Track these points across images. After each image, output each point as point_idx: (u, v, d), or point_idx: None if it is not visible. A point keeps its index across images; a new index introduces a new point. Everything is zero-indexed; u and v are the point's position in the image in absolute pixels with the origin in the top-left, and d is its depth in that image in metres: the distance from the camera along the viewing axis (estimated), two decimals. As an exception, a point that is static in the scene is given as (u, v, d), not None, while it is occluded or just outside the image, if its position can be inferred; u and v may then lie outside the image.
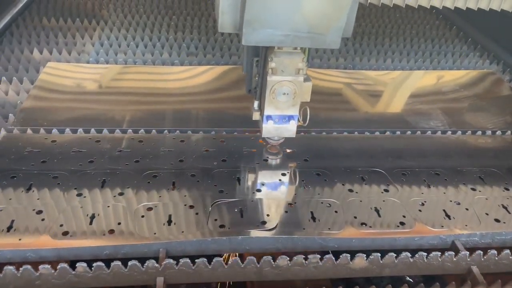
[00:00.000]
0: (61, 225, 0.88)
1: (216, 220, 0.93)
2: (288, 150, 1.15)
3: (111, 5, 1.98)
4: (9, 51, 1.54)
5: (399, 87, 1.53)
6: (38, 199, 0.94)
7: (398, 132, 1.28)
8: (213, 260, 0.84)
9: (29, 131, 1.15)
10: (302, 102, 1.00)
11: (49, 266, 0.80)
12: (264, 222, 0.93)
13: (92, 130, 1.17)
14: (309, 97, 0.99)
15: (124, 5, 2.00)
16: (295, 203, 0.99)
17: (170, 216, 0.92)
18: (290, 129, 1.02)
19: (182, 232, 0.89)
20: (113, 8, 1.95)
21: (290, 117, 1.00)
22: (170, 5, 2.03)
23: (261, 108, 1.01)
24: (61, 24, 1.78)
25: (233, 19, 0.85)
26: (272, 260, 0.85)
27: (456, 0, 1.21)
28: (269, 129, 1.01)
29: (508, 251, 0.91)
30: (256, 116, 1.02)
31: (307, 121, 1.02)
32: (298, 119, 1.02)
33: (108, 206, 0.93)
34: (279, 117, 1.00)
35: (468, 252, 0.90)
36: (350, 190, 1.04)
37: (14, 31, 1.69)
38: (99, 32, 1.74)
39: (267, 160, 1.11)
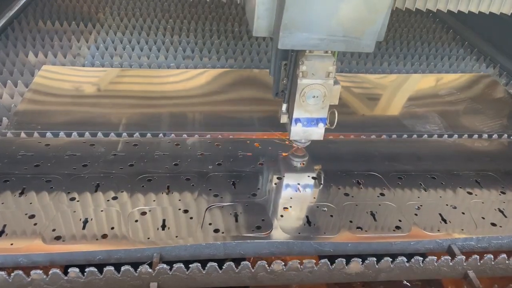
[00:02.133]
0: (54, 230, 0.87)
1: (210, 224, 0.92)
2: (283, 154, 1.14)
3: (107, 8, 1.97)
4: (4, 54, 1.53)
5: (396, 90, 1.53)
6: (30, 203, 0.93)
7: (395, 136, 1.27)
8: (207, 265, 0.84)
9: (22, 134, 1.15)
10: (330, 105, 1.01)
11: (41, 272, 0.79)
12: (259, 227, 0.92)
13: (87, 133, 1.16)
14: (337, 100, 1.01)
15: (121, 8, 2.00)
16: (290, 207, 0.98)
17: (164, 220, 0.92)
18: (318, 131, 1.03)
19: (176, 236, 0.88)
20: (109, 12, 1.94)
21: (319, 120, 1.01)
22: (167, 8, 2.03)
23: (289, 111, 1.02)
24: (57, 27, 1.77)
25: (268, 24, 0.87)
26: (267, 265, 0.85)
27: (459, 4, 1.22)
28: (297, 131, 1.03)
29: (504, 255, 0.91)
30: (284, 119, 1.04)
31: (335, 124, 1.03)
32: (326, 122, 1.03)
33: (102, 211, 0.93)
34: (308, 120, 1.01)
35: (464, 257, 0.90)
36: (346, 194, 1.03)
37: (9, 34, 1.68)
38: (95, 35, 1.73)
39: (262, 164, 1.10)
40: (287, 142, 1.15)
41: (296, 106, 0.98)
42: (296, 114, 1.00)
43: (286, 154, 1.14)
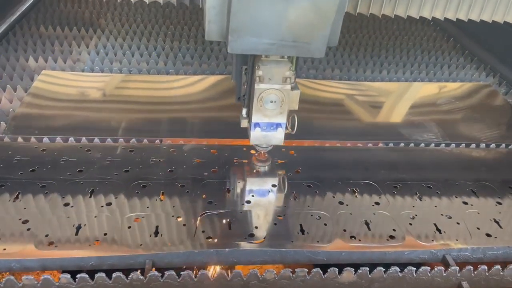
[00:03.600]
0: (47, 235, 0.88)
1: (203, 231, 0.92)
2: (279, 161, 1.14)
3: (109, 14, 1.99)
4: (4, 59, 1.54)
5: (394, 98, 1.52)
6: (25, 208, 0.93)
7: (391, 144, 1.27)
8: (199, 272, 0.83)
9: (19, 139, 1.15)
10: (290, 110, 1.00)
11: (32, 277, 0.80)
12: (252, 235, 0.92)
13: (83, 139, 1.16)
14: (297, 105, 1.00)
15: (122, 14, 2.01)
16: (284, 215, 0.98)
17: (157, 227, 0.92)
18: (277, 136, 1.02)
19: (169, 243, 0.88)
20: (110, 17, 1.96)
21: (278, 125, 1.01)
22: (168, 14, 2.04)
23: (249, 116, 1.02)
24: (58, 32, 1.78)
25: (219, 28, 0.86)
26: (258, 273, 0.85)
27: (458, 12, 1.23)
28: (257, 136, 1.02)
29: (498, 266, 0.90)
30: (244, 123, 1.03)
31: (295, 129, 1.02)
32: (286, 126, 1.02)
33: (95, 216, 0.93)
34: (267, 125, 1.00)
35: (458, 267, 0.89)
36: (341, 203, 1.03)
37: (10, 39, 1.69)
38: (95, 40, 1.74)
39: (258, 171, 1.10)
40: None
41: (254, 110, 0.98)
42: (255, 119, 1.00)
43: (282, 161, 1.14)
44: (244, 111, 1.02)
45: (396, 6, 1.18)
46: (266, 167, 1.12)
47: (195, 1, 1.17)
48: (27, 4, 1.95)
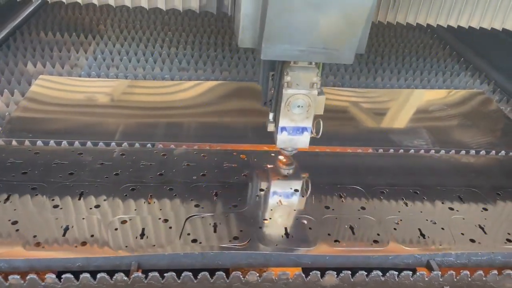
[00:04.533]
0: (35, 236, 0.89)
1: (189, 234, 0.93)
2: (268, 166, 1.16)
3: (108, 20, 2.02)
4: (3, 64, 1.57)
5: (385, 105, 1.54)
6: (15, 209, 0.95)
7: (381, 150, 1.28)
8: (182, 274, 0.85)
9: (14, 142, 1.17)
10: (315, 115, 1.04)
11: (18, 277, 0.81)
12: (236, 238, 0.93)
13: (76, 142, 1.19)
14: (322, 110, 1.04)
15: (122, 20, 2.04)
16: (270, 218, 0.99)
17: (143, 229, 0.93)
18: (303, 140, 1.06)
19: (154, 245, 0.90)
20: (110, 23, 1.99)
21: (304, 129, 1.04)
22: (167, 21, 2.07)
23: (276, 120, 1.05)
24: (57, 38, 1.81)
25: (252, 35, 0.90)
26: (241, 276, 0.86)
27: (458, 19, 1.26)
28: (283, 140, 1.05)
29: (481, 272, 0.91)
30: (271, 127, 1.07)
31: (320, 133, 1.06)
32: (311, 131, 1.05)
33: (83, 218, 0.94)
34: (293, 129, 1.04)
35: (440, 272, 0.90)
36: (327, 207, 1.04)
37: (11, 44, 1.73)
38: (94, 46, 1.77)
39: (246, 176, 1.12)
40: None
41: (281, 115, 1.01)
42: (282, 123, 1.03)
43: (270, 166, 1.15)
44: (271, 116, 1.06)
45: (397, 14, 1.23)
46: (291, 170, 1.15)
47: (222, 9, 1.20)
48: (28, 10, 1.99)
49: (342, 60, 0.92)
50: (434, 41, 2.12)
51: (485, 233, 1.00)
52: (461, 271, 0.90)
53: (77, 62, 1.65)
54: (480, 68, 1.86)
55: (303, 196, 1.07)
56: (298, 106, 1.00)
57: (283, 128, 1.04)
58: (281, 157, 1.17)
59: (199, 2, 1.21)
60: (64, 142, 1.18)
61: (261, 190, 1.08)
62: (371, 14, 0.88)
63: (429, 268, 0.95)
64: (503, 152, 1.32)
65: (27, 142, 1.18)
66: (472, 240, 0.98)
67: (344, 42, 0.88)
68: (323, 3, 0.83)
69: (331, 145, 1.27)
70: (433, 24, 1.34)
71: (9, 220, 0.92)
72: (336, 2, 0.83)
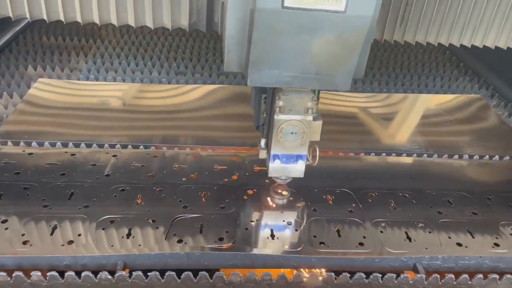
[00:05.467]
0: (23, 235, 0.91)
1: (175, 235, 0.94)
2: (256, 168, 1.16)
3: (110, 25, 2.04)
4: (4, 67, 1.60)
5: (381, 110, 1.54)
6: (5, 208, 0.97)
7: (373, 154, 1.28)
8: (166, 274, 0.86)
9: (9, 143, 1.19)
10: (311, 141, 0.96)
11: (5, 274, 0.83)
12: (222, 239, 0.94)
13: (70, 144, 1.20)
14: (319, 136, 0.95)
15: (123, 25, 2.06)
16: (256, 220, 1.00)
17: (130, 229, 0.94)
18: (298, 169, 0.97)
19: (139, 245, 0.91)
20: (111, 28, 2.01)
21: (299, 157, 0.96)
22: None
23: (268, 147, 0.97)
24: (59, 42, 1.84)
25: (239, 58, 0.80)
26: (224, 276, 0.86)
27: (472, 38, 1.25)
28: (276, 168, 0.97)
29: (466, 275, 0.91)
30: (263, 154, 0.98)
31: (317, 161, 0.98)
32: (307, 158, 0.98)
33: (72, 218, 0.96)
34: (287, 157, 0.96)
35: (424, 275, 0.90)
36: (314, 210, 1.04)
37: (13, 48, 1.76)
38: (94, 50, 1.80)
39: (236, 178, 1.13)
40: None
41: (273, 142, 0.93)
42: (274, 151, 0.94)
43: (260, 168, 1.16)
44: (262, 142, 0.97)
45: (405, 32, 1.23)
46: (285, 200, 1.08)
47: (212, 26, 1.13)
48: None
49: (338, 87, 0.82)
50: (434, 46, 2.11)
51: (473, 237, 1.00)
52: (446, 274, 0.90)
53: (77, 66, 1.67)
54: (480, 74, 1.85)
55: (291, 198, 1.07)
56: (292, 133, 0.92)
57: (276, 156, 0.95)
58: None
59: (188, 20, 1.14)
60: (59, 144, 1.20)
61: (249, 191, 1.09)
62: (371, 36, 0.79)
63: (416, 271, 0.94)
64: (496, 157, 1.31)
65: (22, 144, 1.20)
66: (459, 244, 0.98)
67: (340, 67, 0.80)
68: (315, 26, 0.74)
69: (323, 148, 1.27)
70: (444, 44, 1.27)
71: (-1, 219, 0.94)
72: (329, 25, 0.74)
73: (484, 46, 1.28)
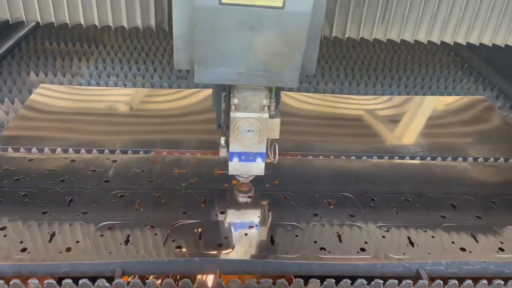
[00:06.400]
0: (21, 242, 0.90)
1: (173, 241, 0.93)
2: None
3: (112, 30, 2.05)
4: (6, 73, 1.61)
5: (383, 112, 1.52)
6: (4, 215, 0.97)
7: (375, 157, 1.26)
8: (164, 281, 0.85)
9: (10, 149, 1.19)
10: (271, 139, 0.96)
11: (2, 282, 0.82)
12: (220, 245, 0.93)
13: (70, 149, 1.20)
14: (278, 134, 0.95)
15: (125, 29, 2.06)
16: (256, 225, 0.99)
17: (128, 236, 0.94)
18: (257, 166, 0.98)
19: (138, 252, 0.90)
20: (113, 33, 2.02)
21: (257, 155, 0.97)
22: (170, 30, 2.08)
23: (227, 145, 0.97)
24: (62, 48, 1.85)
25: (188, 56, 0.82)
26: (223, 283, 0.85)
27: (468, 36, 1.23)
28: (235, 166, 0.98)
29: (470, 281, 0.89)
30: (223, 152, 0.98)
31: (277, 159, 0.98)
32: (268, 156, 0.98)
33: (70, 224, 0.95)
34: (245, 155, 0.96)
35: (427, 281, 0.88)
36: (315, 214, 1.03)
37: (15, 54, 1.77)
38: (96, 55, 1.80)
39: (236, 183, 1.12)
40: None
41: (231, 140, 0.94)
42: (232, 148, 0.95)
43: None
44: (222, 140, 0.97)
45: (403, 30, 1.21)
46: (249, 198, 1.07)
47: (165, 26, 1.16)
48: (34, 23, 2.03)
49: (286, 83, 0.83)
50: (438, 47, 2.09)
51: (477, 241, 0.98)
52: (449, 280, 0.88)
53: (78, 71, 1.68)
54: (484, 74, 1.83)
55: (291, 203, 1.06)
56: (248, 131, 0.92)
57: (234, 154, 0.96)
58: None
59: (155, 20, 1.18)
60: (59, 150, 1.20)
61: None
62: (316, 32, 0.80)
63: (419, 277, 0.93)
64: (501, 159, 1.29)
65: (22, 150, 1.20)
66: (463, 249, 0.96)
67: (286, 64, 0.80)
68: (255, 23, 0.75)
69: (325, 152, 1.27)
70: (436, 42, 1.25)
71: (-2, 227, 0.94)
72: (268, 21, 0.75)
73: (487, 46, 1.25)
